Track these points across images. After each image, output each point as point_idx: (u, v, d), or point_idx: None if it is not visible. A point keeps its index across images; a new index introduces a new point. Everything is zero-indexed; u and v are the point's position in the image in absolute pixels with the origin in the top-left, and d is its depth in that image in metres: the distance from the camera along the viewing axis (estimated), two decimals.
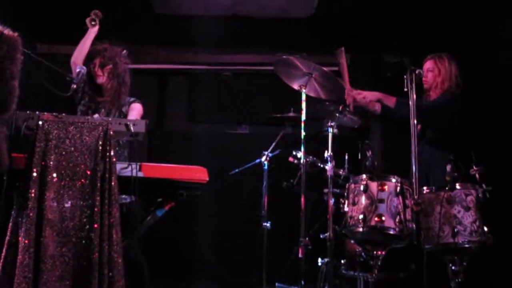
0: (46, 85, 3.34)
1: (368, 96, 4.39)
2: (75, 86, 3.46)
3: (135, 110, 3.99)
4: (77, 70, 3.63)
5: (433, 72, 4.34)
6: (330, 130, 4.05)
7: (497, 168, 3.97)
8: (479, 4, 4.93)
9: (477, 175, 3.66)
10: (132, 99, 4.06)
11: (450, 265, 3.60)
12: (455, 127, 4.22)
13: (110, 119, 3.02)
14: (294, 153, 4.29)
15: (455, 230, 3.51)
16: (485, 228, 3.56)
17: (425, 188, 3.70)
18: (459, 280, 3.55)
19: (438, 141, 4.22)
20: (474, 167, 3.67)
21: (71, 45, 5.92)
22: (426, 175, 4.14)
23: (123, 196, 3.57)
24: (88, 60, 3.96)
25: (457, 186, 3.61)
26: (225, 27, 5.64)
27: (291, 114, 4.59)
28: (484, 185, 3.63)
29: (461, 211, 3.55)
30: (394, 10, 5.28)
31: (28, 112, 2.86)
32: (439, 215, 3.56)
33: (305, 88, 4.02)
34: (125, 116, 3.94)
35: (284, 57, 4.02)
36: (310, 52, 5.21)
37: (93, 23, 4.08)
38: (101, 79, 3.96)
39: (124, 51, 4.28)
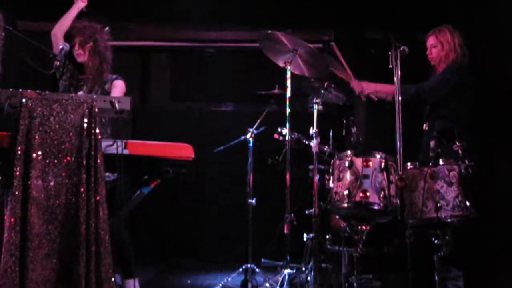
0: (29, 62, 3.29)
1: (366, 88, 4.37)
2: (58, 63, 3.41)
3: (118, 88, 3.95)
4: (60, 46, 3.57)
5: (436, 47, 4.27)
6: (315, 107, 4.06)
7: (480, 143, 4.02)
8: None
9: (459, 151, 3.70)
10: (114, 76, 4.03)
11: (433, 239, 3.66)
12: (464, 100, 4.17)
13: (94, 96, 2.99)
14: (279, 130, 4.30)
15: (438, 205, 3.55)
16: (468, 203, 3.61)
17: (409, 163, 3.73)
18: (442, 253, 3.62)
19: (449, 115, 4.14)
20: (457, 143, 3.71)
21: (52, 22, 5.83)
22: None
23: (107, 173, 3.56)
24: (68, 38, 3.90)
25: (440, 162, 3.65)
26: (208, 4, 5.59)
27: (276, 91, 4.59)
28: (466, 161, 3.67)
29: (444, 186, 3.59)
30: None
31: (11, 89, 2.82)
32: (423, 191, 3.60)
33: (290, 65, 4.02)
34: (108, 93, 3.91)
35: (269, 32, 4.00)
36: (295, 29, 5.20)
37: None
38: (82, 57, 3.92)
39: (106, 28, 4.22)
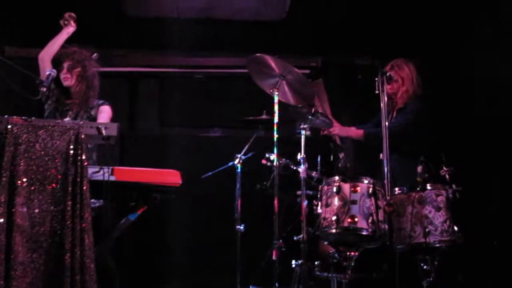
0: (15, 88, 3.28)
1: (337, 133, 4.44)
2: (44, 89, 3.40)
3: (105, 113, 3.95)
4: (47, 72, 3.57)
5: (397, 82, 4.39)
6: (303, 132, 4.07)
7: (467, 168, 4.04)
8: (449, 8, 5.01)
9: (447, 176, 3.72)
10: (101, 101, 4.03)
11: (422, 264, 3.65)
12: (424, 136, 4.30)
13: (81, 122, 2.98)
14: (267, 155, 4.29)
15: (427, 230, 3.56)
16: (455, 228, 3.61)
17: (396, 189, 3.74)
18: (430, 279, 3.60)
19: (405, 150, 4.25)
20: (444, 168, 3.73)
21: (39, 48, 5.84)
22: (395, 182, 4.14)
23: (92, 200, 3.53)
24: (57, 63, 3.91)
25: (428, 187, 3.67)
26: (197, 30, 5.62)
27: (264, 116, 4.59)
28: (454, 186, 3.69)
29: (432, 211, 3.61)
30: (365, 14, 5.34)
31: None
32: (411, 216, 3.61)
33: (277, 90, 4.03)
34: (94, 119, 3.90)
35: (258, 55, 4.02)
36: (283, 55, 5.23)
37: (65, 23, 4.06)
38: (69, 81, 3.92)
39: (95, 55, 4.24)
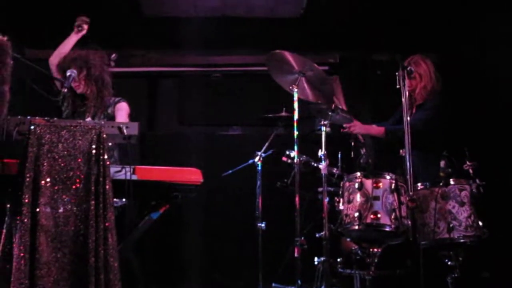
0: (37, 89, 3.31)
1: (357, 131, 4.40)
2: (65, 90, 3.43)
3: (122, 110, 3.94)
4: (68, 73, 3.59)
5: (415, 79, 4.35)
6: (323, 129, 4.04)
7: (490, 163, 3.99)
8: (466, 2, 4.95)
9: (470, 170, 3.68)
10: (117, 99, 4.01)
11: (446, 260, 3.61)
12: (444, 132, 4.25)
13: (102, 122, 2.99)
14: (287, 152, 4.28)
15: (451, 225, 3.52)
16: (480, 223, 3.57)
17: (419, 184, 3.71)
18: (455, 275, 3.56)
19: (425, 146, 4.20)
20: (468, 163, 3.69)
21: None
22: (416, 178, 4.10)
23: (115, 199, 3.54)
24: (63, 71, 3.84)
25: (451, 182, 3.63)
26: (214, 28, 5.63)
27: (283, 114, 4.58)
28: (477, 180, 3.64)
29: (456, 206, 3.57)
30: (383, 9, 5.29)
31: (19, 117, 2.83)
32: (434, 211, 3.57)
33: (296, 87, 4.01)
34: (112, 117, 3.90)
35: (277, 51, 4.01)
36: (300, 52, 5.21)
37: (79, 28, 4.06)
38: (80, 88, 3.91)
39: (114, 55, 4.25)
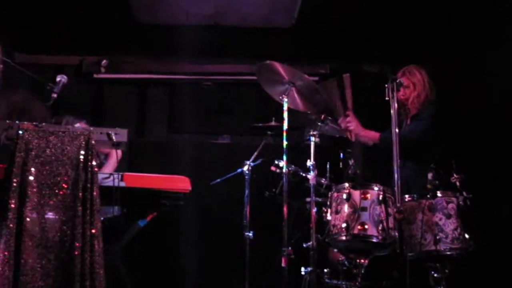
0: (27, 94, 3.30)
1: (353, 129, 4.38)
2: (55, 95, 3.42)
3: None
4: (58, 79, 3.58)
5: (409, 88, 4.36)
6: (312, 139, 4.05)
7: (478, 175, 4.01)
8: (456, 13, 5.00)
9: (457, 183, 3.70)
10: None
11: (432, 272, 3.62)
12: (437, 143, 4.26)
13: (91, 128, 2.98)
14: (276, 162, 4.28)
15: (437, 237, 3.53)
16: (466, 235, 3.59)
17: (407, 196, 3.72)
18: (441, 287, 3.57)
19: (420, 157, 4.21)
20: (455, 175, 3.71)
21: (49, 55, 5.88)
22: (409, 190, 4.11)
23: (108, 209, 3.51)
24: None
25: (438, 194, 3.65)
26: (206, 37, 5.64)
27: (273, 123, 4.59)
28: (464, 193, 3.66)
29: (443, 218, 3.58)
30: (373, 20, 5.33)
31: (7, 121, 2.82)
32: (421, 223, 3.59)
33: (286, 97, 4.02)
34: None
35: (267, 62, 4.02)
36: (291, 62, 5.24)
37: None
38: None
39: (104, 61, 4.25)
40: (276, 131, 4.56)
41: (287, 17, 5.51)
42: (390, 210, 3.57)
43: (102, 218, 2.81)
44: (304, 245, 3.98)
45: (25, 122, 2.81)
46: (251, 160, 4.66)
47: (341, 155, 4.25)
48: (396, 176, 3.51)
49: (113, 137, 2.93)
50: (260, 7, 5.34)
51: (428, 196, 3.64)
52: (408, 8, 5.06)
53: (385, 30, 5.38)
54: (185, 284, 5.78)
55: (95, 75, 6.01)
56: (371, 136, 4.41)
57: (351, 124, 4.36)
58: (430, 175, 3.69)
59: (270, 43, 5.71)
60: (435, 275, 3.61)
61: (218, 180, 4.89)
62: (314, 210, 3.89)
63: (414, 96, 4.34)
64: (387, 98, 3.67)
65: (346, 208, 3.59)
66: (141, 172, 3.11)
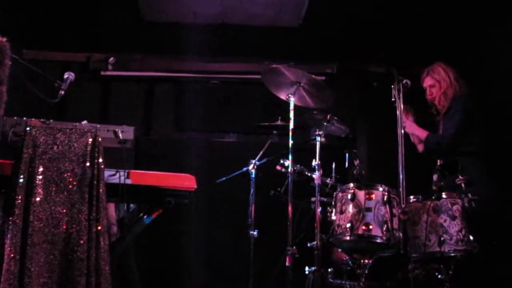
0: (34, 91, 3.31)
1: (406, 128, 4.30)
2: (63, 92, 3.43)
3: None
4: (65, 76, 3.60)
5: (434, 87, 4.35)
6: (318, 139, 4.06)
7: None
8: (463, 14, 4.99)
9: (462, 184, 3.70)
10: None
11: (436, 273, 3.62)
12: (472, 133, 4.23)
13: (98, 125, 3.00)
14: (281, 161, 4.29)
15: (442, 239, 3.53)
16: (471, 237, 3.58)
17: (411, 197, 3.72)
18: None
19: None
20: (460, 177, 3.71)
21: (57, 51, 5.90)
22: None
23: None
24: None
25: (443, 195, 3.64)
26: (213, 35, 5.65)
27: (279, 122, 4.60)
28: (469, 194, 3.66)
29: (447, 220, 3.58)
30: (380, 21, 5.33)
31: (15, 118, 2.84)
32: (426, 224, 3.58)
33: (293, 96, 4.03)
34: None
35: (273, 66, 4.03)
36: (298, 62, 5.24)
37: None
38: None
39: (112, 59, 4.26)
40: (282, 131, 4.57)
41: (294, 17, 5.51)
42: (394, 210, 3.57)
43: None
44: (309, 245, 3.99)
45: (33, 119, 2.83)
46: (256, 159, 4.67)
47: (347, 155, 4.26)
48: (401, 176, 3.52)
49: (120, 135, 2.95)
50: (268, 6, 5.34)
51: (433, 197, 3.64)
52: (417, 8, 5.05)
53: (393, 30, 5.38)
54: (190, 282, 5.80)
55: (102, 73, 6.03)
56: (419, 133, 4.37)
57: (405, 125, 4.25)
58: (435, 177, 3.69)
59: (277, 42, 5.72)
60: (439, 276, 3.61)
61: (224, 178, 4.90)
62: (319, 209, 3.89)
63: (441, 94, 4.32)
64: (393, 99, 3.68)
65: (350, 208, 3.60)
66: (147, 170, 3.13)
